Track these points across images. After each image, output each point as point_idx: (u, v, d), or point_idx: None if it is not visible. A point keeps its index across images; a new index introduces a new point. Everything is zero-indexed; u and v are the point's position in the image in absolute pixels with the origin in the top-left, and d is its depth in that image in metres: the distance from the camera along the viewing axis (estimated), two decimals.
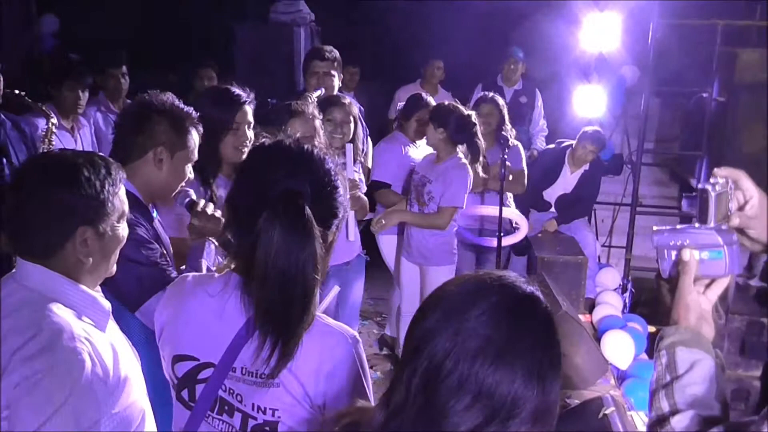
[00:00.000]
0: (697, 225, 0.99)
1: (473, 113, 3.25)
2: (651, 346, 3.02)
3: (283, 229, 1.05)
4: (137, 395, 1.28)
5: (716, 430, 0.87)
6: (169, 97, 1.76)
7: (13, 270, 1.25)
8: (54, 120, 2.90)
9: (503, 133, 3.58)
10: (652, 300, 4.00)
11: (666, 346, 0.97)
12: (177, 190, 1.78)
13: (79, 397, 1.13)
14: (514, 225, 3.74)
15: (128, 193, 1.58)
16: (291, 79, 4.23)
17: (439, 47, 4.93)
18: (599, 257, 4.49)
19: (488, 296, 0.80)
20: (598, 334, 3.11)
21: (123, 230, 1.29)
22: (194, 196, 1.81)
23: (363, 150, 3.27)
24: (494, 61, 4.80)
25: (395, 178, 3.53)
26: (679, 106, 5.16)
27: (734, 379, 3.24)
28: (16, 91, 2.61)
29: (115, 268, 1.32)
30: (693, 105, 4.75)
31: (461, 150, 3.22)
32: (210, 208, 1.77)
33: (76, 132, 3.44)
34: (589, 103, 4.23)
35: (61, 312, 1.19)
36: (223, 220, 1.71)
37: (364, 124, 3.39)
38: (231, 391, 1.15)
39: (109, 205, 1.23)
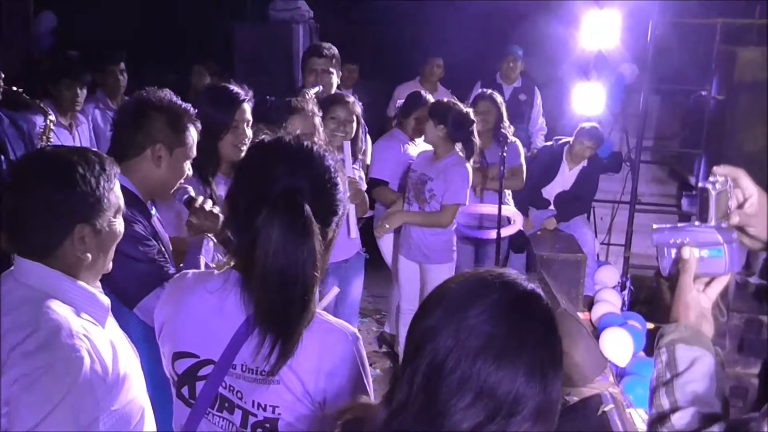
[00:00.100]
0: (697, 223, 0.99)
1: (470, 111, 3.24)
2: (650, 343, 3.02)
3: (282, 227, 1.05)
4: (136, 392, 1.28)
5: (717, 428, 0.87)
6: (167, 93, 1.76)
7: (12, 268, 1.24)
8: (52, 117, 2.90)
9: (501, 130, 3.58)
10: (651, 297, 4.01)
11: (666, 344, 0.97)
12: (176, 187, 1.78)
13: (78, 394, 1.13)
14: (511, 222, 3.75)
15: (126, 190, 1.58)
16: (290, 76, 4.22)
17: (439, 45, 4.93)
18: (598, 255, 4.50)
19: (489, 294, 0.80)
20: (597, 332, 3.11)
21: (119, 225, 1.29)
22: (193, 193, 1.81)
23: (362, 148, 3.27)
24: (493, 59, 4.80)
25: (393, 176, 3.53)
26: (678, 104, 5.16)
27: (732, 377, 3.25)
28: (14, 88, 2.61)
29: (111, 263, 1.31)
30: (692, 103, 4.75)
31: (457, 147, 3.22)
32: (208, 205, 1.77)
33: (74, 129, 3.43)
34: (588, 101, 4.23)
35: (59, 309, 1.19)
36: (221, 216, 1.72)
37: (363, 121, 3.39)
38: (231, 388, 1.15)
39: (105, 201, 1.23)
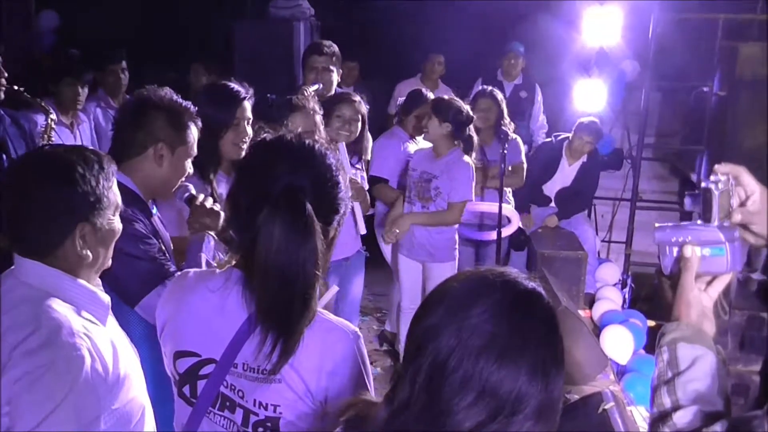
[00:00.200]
0: (699, 222, 0.99)
1: (468, 107, 3.24)
2: (651, 341, 3.02)
3: (284, 225, 1.05)
4: (137, 391, 1.28)
5: (719, 426, 0.87)
6: (167, 92, 1.76)
7: (12, 267, 1.25)
8: (53, 116, 2.90)
9: (502, 127, 3.57)
10: (652, 295, 4.00)
11: (667, 343, 0.97)
12: (177, 186, 1.78)
13: (80, 393, 1.13)
14: (509, 221, 3.75)
15: (127, 189, 1.59)
16: (291, 74, 4.21)
17: (440, 42, 4.92)
18: (599, 252, 4.49)
19: (491, 293, 0.80)
20: (597, 330, 3.11)
21: (117, 223, 1.29)
22: (194, 191, 1.81)
23: (366, 147, 3.26)
24: (494, 56, 4.79)
25: (393, 174, 3.52)
26: (679, 101, 5.15)
27: (734, 374, 3.24)
28: (15, 87, 2.61)
29: (110, 261, 1.32)
30: (694, 100, 4.74)
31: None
32: (209, 203, 1.77)
33: (75, 128, 3.43)
34: (590, 98, 4.22)
35: (60, 308, 1.19)
36: (222, 214, 1.72)
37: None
38: (233, 387, 1.15)
39: (105, 199, 1.24)
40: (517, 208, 3.89)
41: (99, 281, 1.32)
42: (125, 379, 1.23)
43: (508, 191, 3.79)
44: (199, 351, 1.16)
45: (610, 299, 3.47)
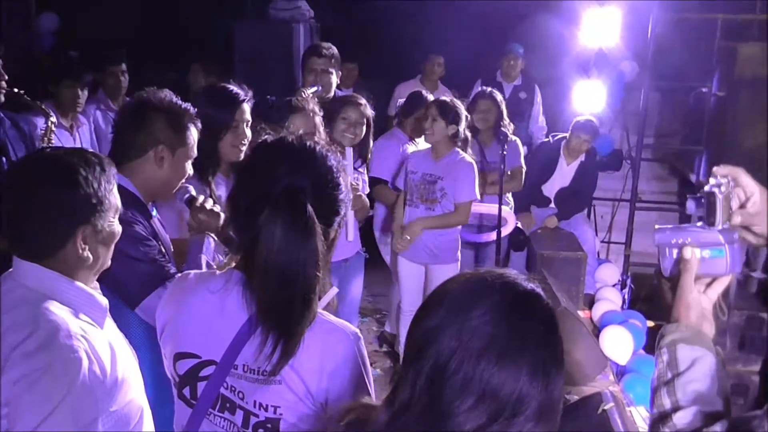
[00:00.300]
0: (699, 224, 0.99)
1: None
2: (650, 341, 3.03)
3: (284, 226, 1.05)
4: (135, 393, 1.28)
5: (719, 426, 0.87)
6: (167, 94, 1.76)
7: (10, 269, 1.25)
8: (53, 119, 2.90)
9: (502, 128, 3.58)
10: (652, 296, 4.01)
11: (667, 344, 0.97)
12: (177, 187, 1.78)
13: (78, 395, 1.13)
14: (506, 222, 3.76)
15: (127, 192, 1.59)
16: (290, 76, 4.21)
17: (439, 44, 4.92)
18: (598, 253, 4.50)
19: (490, 295, 0.80)
20: (597, 330, 3.12)
21: (117, 226, 1.29)
22: (194, 192, 1.81)
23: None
24: (494, 58, 4.79)
25: (392, 175, 3.52)
26: (678, 102, 5.15)
27: (733, 374, 3.25)
28: (15, 90, 2.61)
29: (109, 262, 1.32)
30: (693, 100, 4.75)
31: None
32: (209, 204, 1.77)
33: (75, 130, 3.43)
34: (589, 99, 4.23)
35: (57, 310, 1.19)
36: (222, 215, 1.72)
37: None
38: (233, 389, 1.15)
39: (106, 202, 1.24)
40: (516, 209, 3.89)
41: (97, 284, 1.32)
42: (123, 382, 1.24)
43: (508, 193, 3.79)
44: (200, 352, 1.16)
45: (610, 300, 3.48)
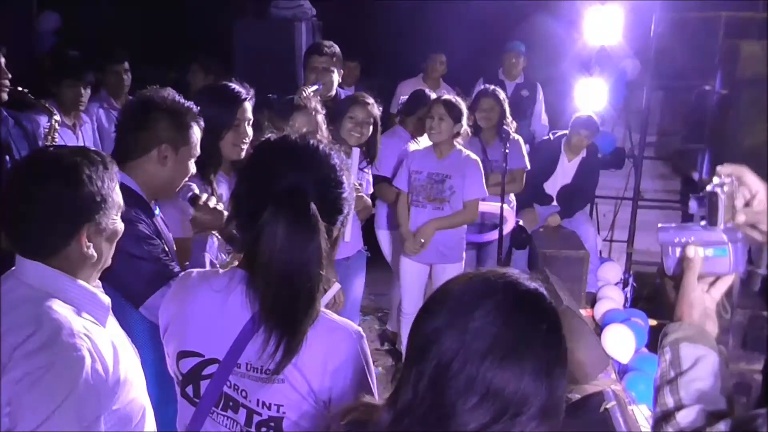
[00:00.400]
0: (702, 223, 0.99)
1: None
2: (652, 340, 3.02)
3: (287, 224, 1.06)
4: (137, 392, 1.29)
5: (723, 425, 0.87)
6: (170, 92, 1.76)
7: (13, 267, 1.25)
8: (57, 117, 2.90)
9: (504, 127, 3.57)
10: (654, 294, 4.01)
11: (670, 343, 0.97)
12: (180, 185, 1.79)
13: (80, 393, 1.13)
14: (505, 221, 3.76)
15: (130, 190, 1.59)
16: (292, 74, 4.21)
17: (441, 42, 4.91)
18: (601, 252, 4.49)
19: (493, 295, 0.80)
20: (599, 329, 3.12)
21: (120, 223, 1.30)
22: (197, 190, 1.82)
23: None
24: (496, 56, 4.79)
25: (394, 173, 3.52)
26: (681, 100, 5.14)
27: (736, 373, 3.24)
28: (19, 88, 2.61)
29: (110, 260, 1.32)
30: (695, 98, 4.74)
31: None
32: (212, 202, 1.77)
33: (77, 129, 3.43)
34: (591, 97, 4.22)
35: (60, 308, 1.19)
36: (225, 213, 1.72)
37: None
38: (236, 387, 1.15)
39: (110, 200, 1.24)
40: (519, 207, 3.88)
41: (99, 282, 1.32)
42: (125, 380, 1.24)
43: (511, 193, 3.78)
44: (203, 351, 1.16)
45: (612, 298, 3.48)
